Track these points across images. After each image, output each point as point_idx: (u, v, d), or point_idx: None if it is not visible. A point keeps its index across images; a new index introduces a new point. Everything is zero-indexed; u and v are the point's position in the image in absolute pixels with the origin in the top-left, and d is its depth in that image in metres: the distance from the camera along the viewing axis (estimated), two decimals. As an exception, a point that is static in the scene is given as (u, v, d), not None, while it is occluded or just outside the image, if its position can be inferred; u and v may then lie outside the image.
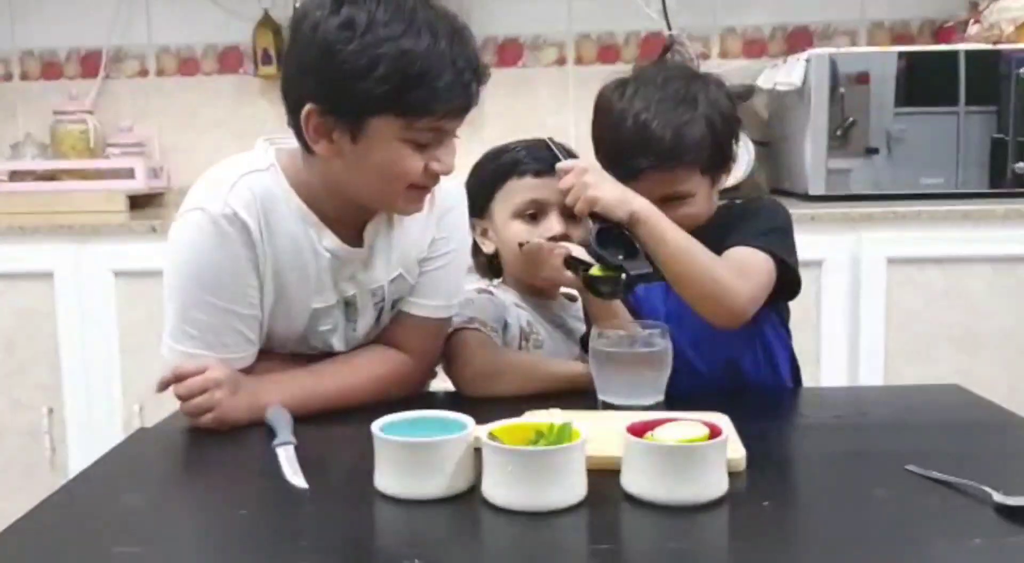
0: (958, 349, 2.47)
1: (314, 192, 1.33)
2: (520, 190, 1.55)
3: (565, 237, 1.50)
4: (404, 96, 1.20)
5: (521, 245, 1.49)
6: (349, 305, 1.41)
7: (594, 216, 1.33)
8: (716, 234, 1.40)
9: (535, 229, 1.53)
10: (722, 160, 1.47)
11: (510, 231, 1.55)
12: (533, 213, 1.54)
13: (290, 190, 1.33)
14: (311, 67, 1.23)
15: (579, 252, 1.39)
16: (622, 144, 1.42)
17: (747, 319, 1.34)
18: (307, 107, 1.24)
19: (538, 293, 1.61)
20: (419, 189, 1.30)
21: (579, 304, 1.59)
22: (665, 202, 1.39)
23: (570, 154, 1.47)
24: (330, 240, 1.35)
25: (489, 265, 1.65)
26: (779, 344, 1.49)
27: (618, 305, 1.42)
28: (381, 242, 1.41)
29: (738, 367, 1.45)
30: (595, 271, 1.32)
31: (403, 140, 1.23)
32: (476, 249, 1.62)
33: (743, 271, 1.34)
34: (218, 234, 1.28)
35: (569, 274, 1.39)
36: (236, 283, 1.31)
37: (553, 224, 1.52)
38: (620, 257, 1.30)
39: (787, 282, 1.40)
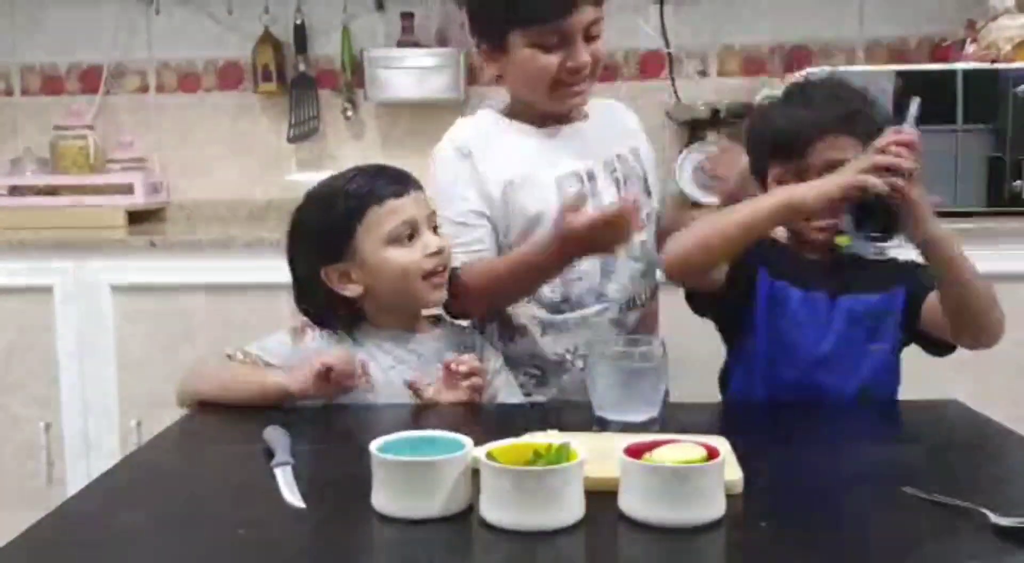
0: (957, 367, 2.46)
1: (518, 111, 1.70)
2: (387, 216, 1.48)
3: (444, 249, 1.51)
4: (519, 11, 1.56)
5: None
6: (590, 178, 1.66)
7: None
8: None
9: (413, 250, 1.49)
10: None
11: (387, 258, 1.48)
12: (409, 234, 1.49)
13: (499, 115, 1.70)
14: (471, 15, 1.67)
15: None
16: (797, 116, 1.50)
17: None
18: (476, 42, 1.66)
19: (407, 326, 1.55)
20: (565, 85, 1.61)
21: (440, 331, 1.59)
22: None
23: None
24: (531, 129, 1.69)
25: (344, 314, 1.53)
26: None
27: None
28: (577, 129, 1.72)
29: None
30: (842, 240, 1.36)
31: (532, 45, 1.57)
32: (331, 299, 1.51)
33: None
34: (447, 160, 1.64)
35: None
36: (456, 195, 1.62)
37: (431, 240, 1.51)
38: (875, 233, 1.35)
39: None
